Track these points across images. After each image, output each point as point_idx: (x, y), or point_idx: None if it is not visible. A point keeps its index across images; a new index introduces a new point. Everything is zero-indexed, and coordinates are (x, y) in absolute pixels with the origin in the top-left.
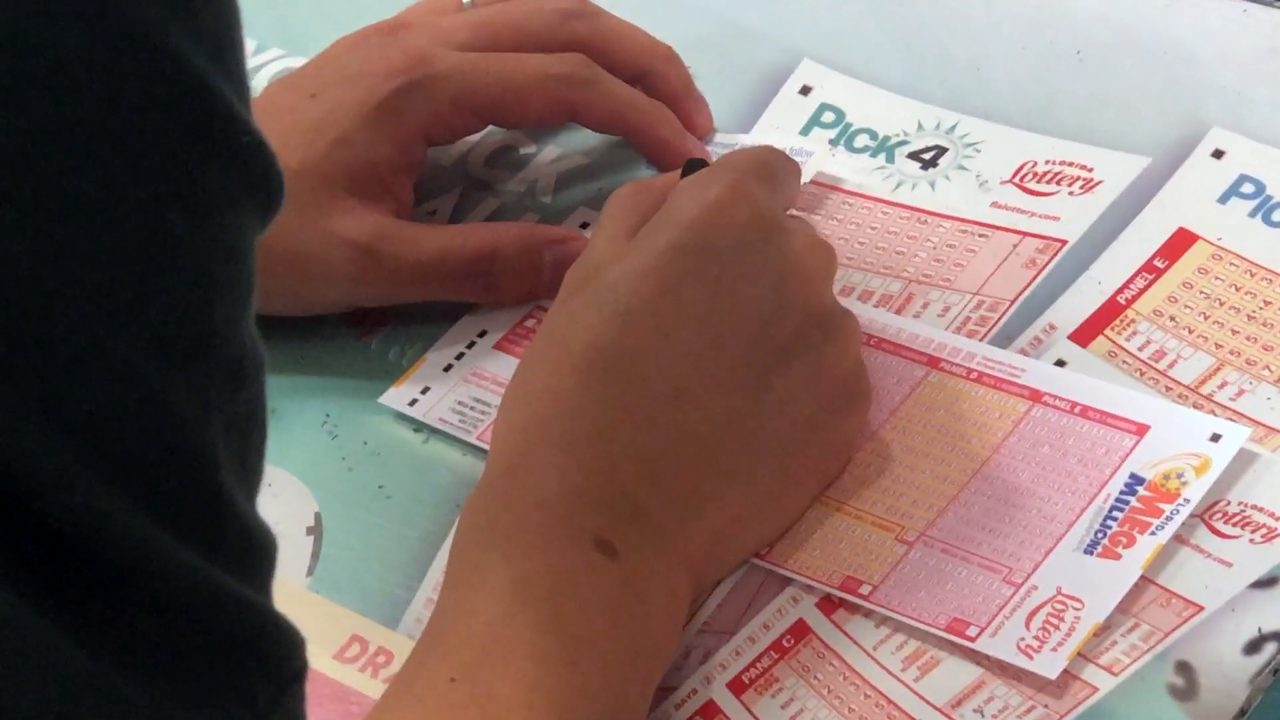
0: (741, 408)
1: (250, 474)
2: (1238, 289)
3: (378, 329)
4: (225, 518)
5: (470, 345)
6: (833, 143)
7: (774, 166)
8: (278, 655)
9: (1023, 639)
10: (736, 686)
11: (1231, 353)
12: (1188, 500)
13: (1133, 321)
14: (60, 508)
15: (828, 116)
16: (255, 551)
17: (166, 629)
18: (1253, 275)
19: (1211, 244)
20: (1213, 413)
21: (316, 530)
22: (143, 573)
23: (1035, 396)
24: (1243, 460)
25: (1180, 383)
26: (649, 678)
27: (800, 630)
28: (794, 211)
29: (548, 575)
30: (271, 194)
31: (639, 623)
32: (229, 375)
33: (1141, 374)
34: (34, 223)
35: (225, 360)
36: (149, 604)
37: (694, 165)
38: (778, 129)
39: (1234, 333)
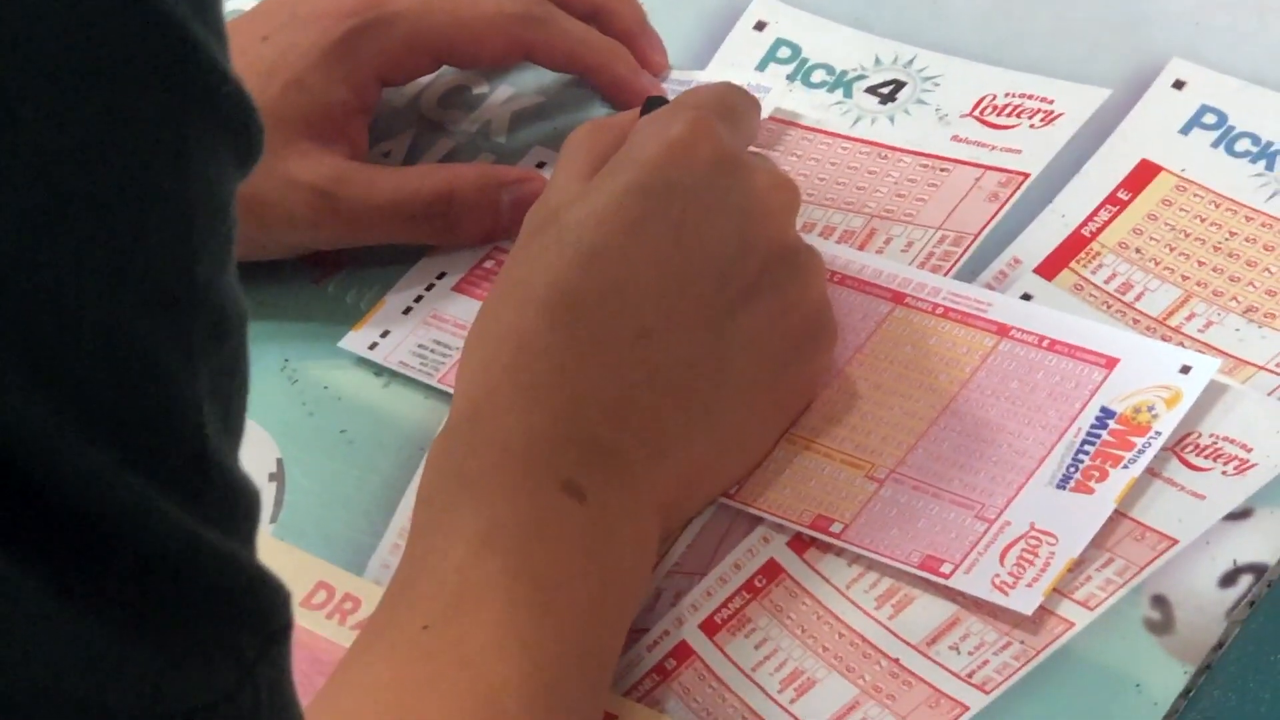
0: (707, 346)
1: (233, 427)
2: (1203, 220)
3: (334, 272)
4: (210, 472)
5: (429, 287)
6: (789, 78)
7: (735, 103)
8: (263, 610)
9: (997, 575)
10: (709, 627)
11: (1198, 284)
12: (1159, 433)
13: (1098, 254)
14: (45, 464)
15: (784, 52)
16: (239, 506)
17: (152, 584)
18: (1217, 206)
19: (1175, 175)
20: (1181, 344)
21: (279, 477)
22: (128, 528)
23: (1003, 331)
24: (1213, 392)
25: (1148, 315)
26: (621, 619)
27: (772, 570)
28: (754, 149)
29: (516, 520)
30: (251, 144)
31: (609, 565)
32: (212, 328)
33: (1109, 307)
34: (14, 177)
35: (208, 313)
36: (134, 559)
37: (654, 103)
38: (733, 65)
39: (1200, 264)
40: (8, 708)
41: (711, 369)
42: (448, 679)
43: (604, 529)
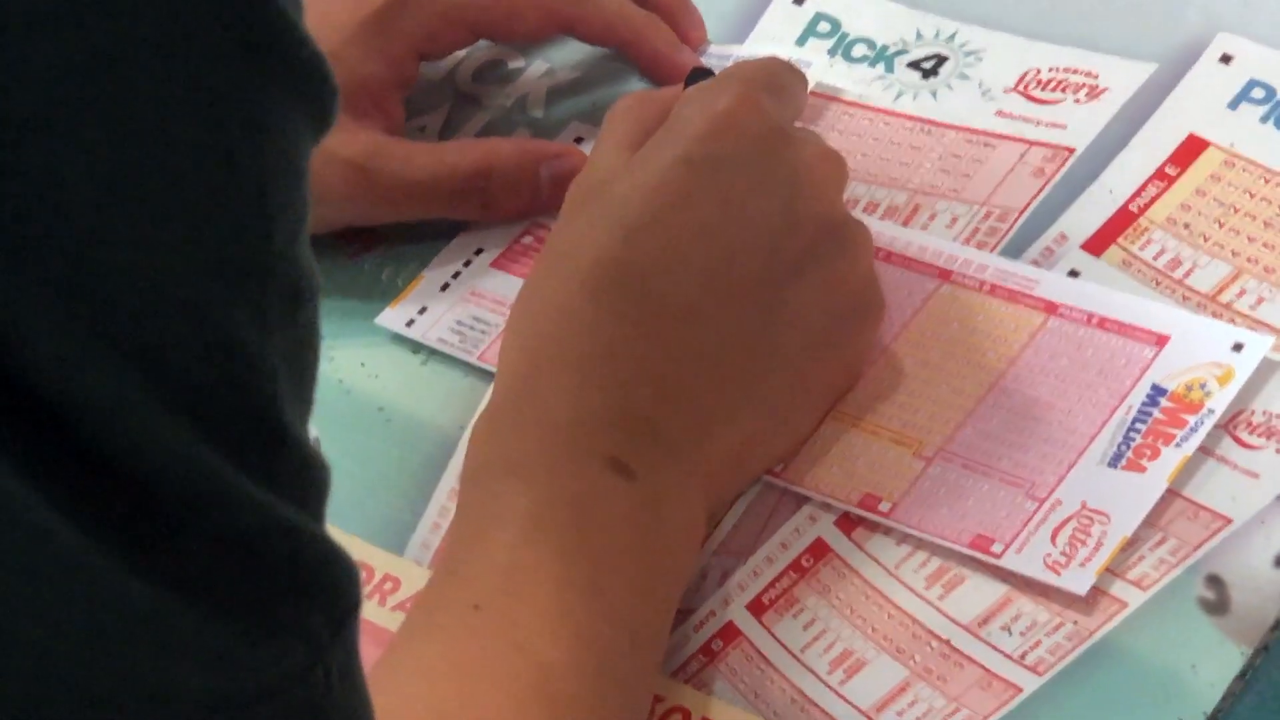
0: (754, 323)
1: (305, 400)
2: (1252, 195)
3: (371, 248)
4: (284, 446)
5: (467, 264)
6: (830, 53)
7: (782, 77)
8: (336, 587)
9: (1049, 555)
10: (756, 608)
11: (1249, 260)
12: (1212, 411)
13: (1146, 230)
14: (121, 436)
15: (823, 26)
16: (312, 481)
17: (225, 560)
18: (1267, 181)
19: (1224, 150)
20: (1233, 321)
21: None
22: (202, 502)
23: (1050, 308)
24: (1265, 369)
25: (1198, 291)
26: (670, 600)
27: (819, 549)
28: (798, 123)
29: (565, 499)
30: (326, 109)
31: (658, 544)
32: (287, 299)
33: (1158, 283)
34: (92, 144)
35: (284, 282)
36: (208, 534)
37: (698, 75)
38: (772, 40)
39: (1250, 240)
40: (79, 684)
41: (759, 345)
42: (500, 661)
43: (652, 508)
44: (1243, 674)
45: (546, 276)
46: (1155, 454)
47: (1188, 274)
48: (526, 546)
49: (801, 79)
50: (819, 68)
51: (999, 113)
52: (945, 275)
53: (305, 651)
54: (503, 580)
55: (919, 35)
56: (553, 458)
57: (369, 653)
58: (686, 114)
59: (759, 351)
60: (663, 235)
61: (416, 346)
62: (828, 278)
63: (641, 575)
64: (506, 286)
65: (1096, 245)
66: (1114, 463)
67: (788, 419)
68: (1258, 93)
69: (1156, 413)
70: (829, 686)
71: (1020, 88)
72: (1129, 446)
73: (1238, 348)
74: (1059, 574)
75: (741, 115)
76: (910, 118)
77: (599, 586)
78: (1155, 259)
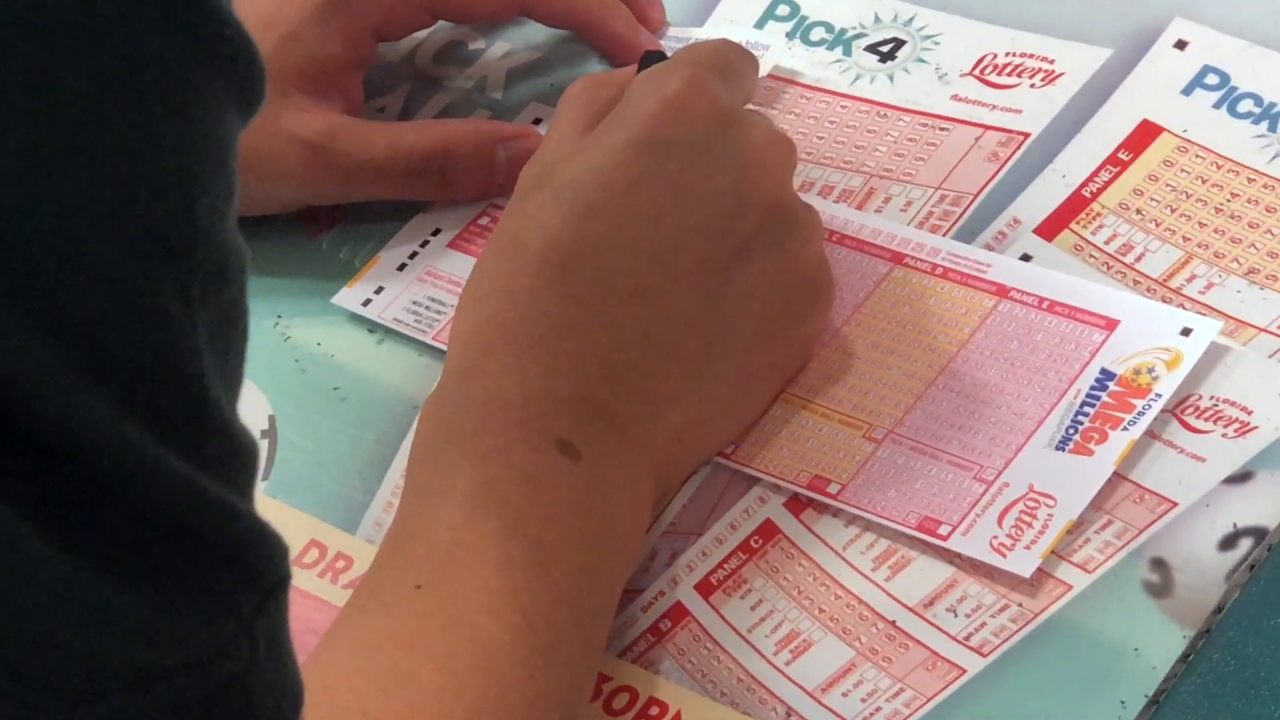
0: (702, 305)
1: (232, 377)
2: (1204, 181)
3: (328, 228)
4: (208, 420)
5: (424, 244)
6: (788, 36)
7: (732, 60)
8: (262, 562)
9: (995, 537)
10: (704, 588)
11: (1199, 245)
12: (1159, 395)
13: (1099, 215)
14: (43, 410)
15: (782, 9)
16: (238, 456)
17: (149, 533)
18: (1219, 167)
19: (1177, 136)
20: (1182, 306)
21: (271, 434)
22: (127, 477)
23: (1002, 292)
24: (1214, 354)
25: (1149, 276)
26: (615, 579)
27: (768, 530)
28: (752, 106)
29: (511, 479)
30: (254, 89)
31: (604, 524)
32: (212, 275)
33: (1109, 268)
34: (15, 119)
35: (209, 259)
36: (133, 508)
37: (651, 58)
38: (731, 22)
39: (1201, 225)
40: (0, 656)
41: (707, 327)
42: (439, 637)
43: (599, 488)
44: (1185, 656)
45: (497, 258)
46: (1103, 438)
47: (1138, 259)
48: (469, 525)
49: (753, 62)
50: (777, 50)
51: (954, 97)
52: (898, 258)
53: (230, 624)
54: (445, 558)
55: (877, 19)
56: (499, 437)
57: (321, 629)
58: (637, 97)
59: (708, 333)
60: (612, 217)
61: (373, 326)
62: (777, 260)
63: (586, 554)
64: (463, 267)
65: (1049, 230)
66: (1061, 446)
67: (737, 400)
68: (1211, 79)
69: (1105, 396)
70: (775, 667)
71: (976, 72)
72: (1077, 430)
73: (1186, 332)
74: (1005, 556)
75: (691, 98)
76: (867, 101)
77: (542, 565)
78: (1107, 244)
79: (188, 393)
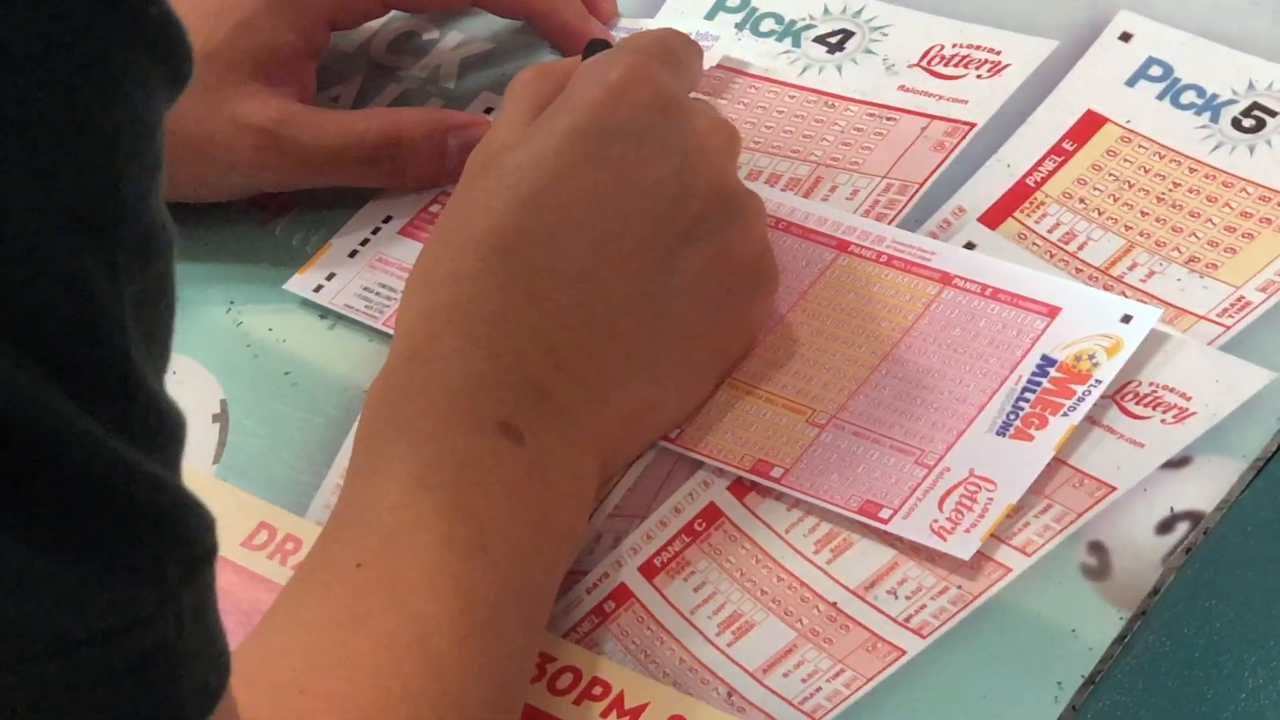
0: (645, 290)
1: (158, 351)
2: (1147, 171)
3: (281, 215)
4: (134, 392)
5: (375, 231)
6: (738, 27)
7: (675, 48)
8: (187, 533)
9: (935, 520)
10: (648, 570)
11: (1141, 234)
12: (1099, 381)
13: (1042, 204)
14: None
15: (733, 1)
16: (164, 428)
17: (72, 503)
18: (1161, 157)
19: (1120, 126)
20: (1123, 294)
21: (223, 418)
22: (50, 445)
23: (945, 279)
24: (1154, 341)
25: (1090, 264)
26: (556, 561)
27: (712, 514)
28: (699, 95)
29: (453, 461)
30: (180, 67)
31: (546, 507)
32: (138, 249)
33: (1051, 256)
34: None
35: (134, 234)
36: (56, 477)
37: (595, 47)
38: (682, 14)
39: (1143, 214)
40: None
41: (650, 311)
42: (379, 617)
43: (541, 470)
44: (1121, 638)
45: (442, 243)
46: (1043, 423)
47: (1081, 247)
48: (410, 506)
49: (696, 50)
50: (726, 41)
51: (901, 87)
52: (843, 246)
53: (155, 595)
54: (386, 539)
55: (826, 10)
56: (442, 420)
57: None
58: (580, 85)
59: (651, 317)
60: (555, 203)
61: (324, 312)
62: (719, 246)
63: (527, 536)
64: (414, 254)
65: (993, 218)
66: (1002, 431)
67: (681, 385)
68: (1155, 70)
69: (1045, 383)
70: (718, 648)
71: (924, 63)
72: (1018, 416)
73: (1126, 319)
74: (945, 539)
75: (633, 85)
76: (815, 91)
77: (483, 546)
78: (1050, 232)
79: (112, 363)
